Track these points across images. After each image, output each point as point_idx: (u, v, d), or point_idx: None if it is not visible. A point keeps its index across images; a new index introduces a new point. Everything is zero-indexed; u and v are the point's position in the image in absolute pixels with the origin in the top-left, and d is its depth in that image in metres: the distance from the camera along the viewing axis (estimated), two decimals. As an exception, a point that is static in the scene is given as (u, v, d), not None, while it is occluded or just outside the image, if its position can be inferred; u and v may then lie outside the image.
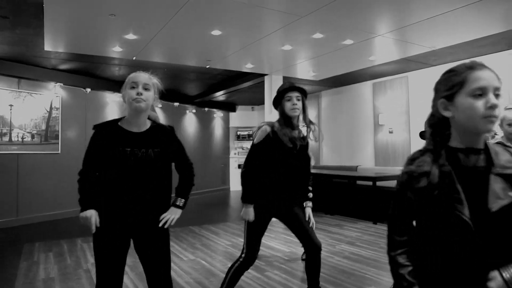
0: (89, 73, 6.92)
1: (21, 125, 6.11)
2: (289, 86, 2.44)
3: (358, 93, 8.21)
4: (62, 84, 6.73)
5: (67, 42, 4.59)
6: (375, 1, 3.44)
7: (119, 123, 1.87)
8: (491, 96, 1.07)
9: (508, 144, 1.25)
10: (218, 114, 11.50)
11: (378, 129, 7.63)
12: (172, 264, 3.85)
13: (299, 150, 2.45)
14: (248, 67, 6.02)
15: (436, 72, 6.29)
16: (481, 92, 1.07)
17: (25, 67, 6.06)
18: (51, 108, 6.54)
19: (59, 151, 6.56)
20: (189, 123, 10.21)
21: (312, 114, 9.63)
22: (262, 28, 4.13)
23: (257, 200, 2.44)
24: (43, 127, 6.41)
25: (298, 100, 2.40)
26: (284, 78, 6.85)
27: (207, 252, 4.40)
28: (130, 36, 4.34)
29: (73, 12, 3.59)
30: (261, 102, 11.52)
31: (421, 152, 1.17)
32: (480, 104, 1.07)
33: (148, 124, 1.91)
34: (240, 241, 4.61)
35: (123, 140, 1.81)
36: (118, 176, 1.80)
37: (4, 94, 5.91)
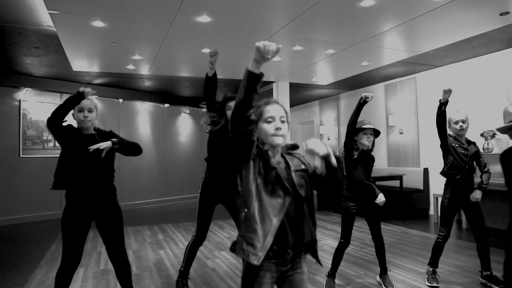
0: (120, 85, 7.89)
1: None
2: (230, 97, 3.01)
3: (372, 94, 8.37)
4: (97, 96, 7.71)
5: (89, 64, 5.47)
6: (332, 17, 3.82)
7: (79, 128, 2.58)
8: (277, 122, 1.57)
9: (295, 152, 1.70)
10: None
11: (390, 130, 7.78)
12: (168, 250, 4.52)
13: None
14: (252, 76, 6.56)
15: (442, 73, 6.41)
16: (271, 120, 1.56)
17: (65, 84, 7.14)
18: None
19: (96, 154, 7.57)
20: (218, 127, 10.92)
21: (331, 116, 9.92)
22: (242, 47, 4.67)
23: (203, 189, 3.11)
24: (82, 134, 7.46)
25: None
26: (291, 84, 7.29)
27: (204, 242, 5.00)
28: (137, 57, 5.11)
29: (83, 42, 4.41)
30: (290, 105, 12.00)
31: None
32: (270, 127, 1.56)
33: (93, 131, 2.59)
34: (236, 233, 5.16)
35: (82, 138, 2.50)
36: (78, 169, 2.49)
37: (49, 107, 7.02)
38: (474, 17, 3.84)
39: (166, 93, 9.04)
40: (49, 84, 6.97)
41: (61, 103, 2.47)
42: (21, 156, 6.71)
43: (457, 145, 3.17)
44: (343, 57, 5.37)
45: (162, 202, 8.98)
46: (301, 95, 9.73)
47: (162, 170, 9.07)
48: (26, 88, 6.77)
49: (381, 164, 8.05)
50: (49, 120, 2.41)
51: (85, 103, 2.49)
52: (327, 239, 5.04)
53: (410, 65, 6.42)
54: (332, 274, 3.26)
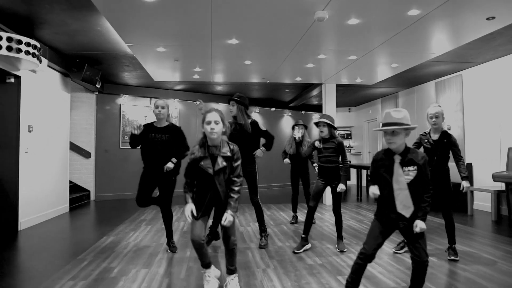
0: (197, 90, 9.51)
1: (152, 129, 9.07)
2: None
3: (425, 92, 8.62)
4: (179, 99, 9.50)
5: (164, 75, 7.05)
6: (339, 30, 4.60)
7: (153, 123, 3.96)
8: (212, 124, 2.64)
9: (231, 143, 2.74)
10: (316, 116, 12.94)
11: (439, 126, 7.96)
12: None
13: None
14: (298, 80, 7.51)
15: (486, 69, 6.60)
16: (209, 122, 2.64)
17: (154, 90, 8.98)
18: (172, 117, 9.35)
19: (177, 147, 9.32)
20: (286, 125, 11.97)
21: (390, 114, 10.23)
22: (273, 60, 5.75)
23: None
24: (166, 130, 9.26)
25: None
26: (338, 85, 8.02)
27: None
28: (197, 69, 6.50)
29: (154, 61, 5.91)
30: (356, 103, 12.50)
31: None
32: (208, 127, 2.64)
33: (166, 123, 3.96)
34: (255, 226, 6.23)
35: (154, 130, 3.90)
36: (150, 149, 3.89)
37: (142, 109, 8.94)
38: (461, 24, 4.29)
39: (236, 96, 10.42)
40: (142, 91, 8.88)
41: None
42: (120, 147, 8.71)
43: (425, 140, 3.79)
44: (372, 61, 6.02)
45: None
46: (365, 93, 10.26)
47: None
48: (124, 95, 8.76)
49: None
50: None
51: (159, 102, 3.90)
52: (350, 221, 5.80)
53: (455, 63, 6.69)
54: (304, 238, 4.07)
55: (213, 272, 2.89)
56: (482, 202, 6.71)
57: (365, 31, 4.52)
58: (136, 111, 8.90)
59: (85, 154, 8.27)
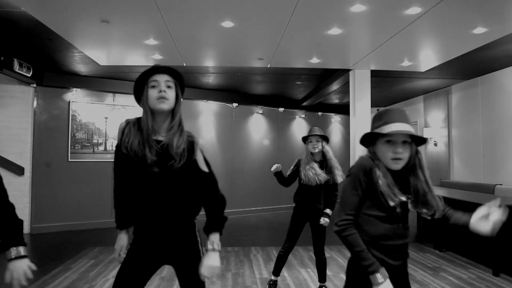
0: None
1: (115, 135, 6.68)
2: (156, 67, 1.63)
3: (498, 83, 6.00)
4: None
5: (109, 56, 4.67)
6: None
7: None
8: (162, 85, 1.54)
9: None
10: (335, 119, 10.43)
11: (526, 133, 5.36)
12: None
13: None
14: (315, 63, 5.01)
15: None
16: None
17: (116, 82, 6.61)
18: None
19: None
20: (298, 129, 9.48)
21: (439, 116, 7.62)
22: (272, 18, 3.24)
23: None
24: (136, 137, 6.86)
25: (169, 87, 1.60)
26: (372, 72, 5.49)
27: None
28: (152, 42, 4.07)
29: (71, 24, 3.53)
30: (388, 102, 9.90)
31: None
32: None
33: None
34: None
35: None
36: None
37: (100, 108, 6.56)
38: None
39: (234, 91, 8.00)
40: (99, 84, 6.51)
41: None
42: (69, 160, 6.34)
43: None
44: (433, 22, 3.50)
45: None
46: (403, 87, 7.70)
47: (228, 179, 8.00)
48: (75, 89, 6.38)
49: (510, 182, 5.63)
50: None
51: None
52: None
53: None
54: None
55: None
56: None
57: None
58: (93, 111, 6.53)
59: (16, 170, 5.92)
